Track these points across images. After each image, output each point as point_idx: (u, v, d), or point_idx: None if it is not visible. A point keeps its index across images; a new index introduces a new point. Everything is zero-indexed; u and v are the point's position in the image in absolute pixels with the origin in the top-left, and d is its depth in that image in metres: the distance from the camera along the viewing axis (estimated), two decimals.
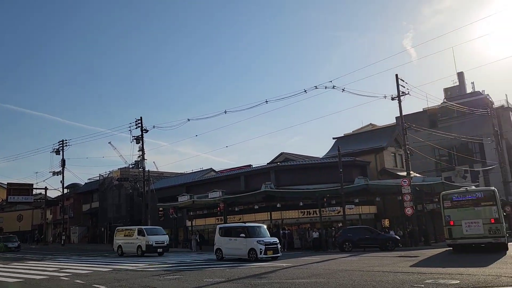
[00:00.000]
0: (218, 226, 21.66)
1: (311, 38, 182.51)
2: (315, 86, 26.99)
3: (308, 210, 31.51)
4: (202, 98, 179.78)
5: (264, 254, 18.07)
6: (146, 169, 39.37)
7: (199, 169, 48.96)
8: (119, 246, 27.26)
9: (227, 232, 20.48)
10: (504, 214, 33.42)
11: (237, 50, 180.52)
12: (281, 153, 42.03)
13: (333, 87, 26.84)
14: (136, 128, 38.62)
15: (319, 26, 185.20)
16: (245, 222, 32.66)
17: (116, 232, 28.74)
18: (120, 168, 50.96)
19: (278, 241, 19.66)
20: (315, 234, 28.71)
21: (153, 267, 16.42)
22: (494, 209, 18.35)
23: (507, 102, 60.38)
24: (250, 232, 19.19)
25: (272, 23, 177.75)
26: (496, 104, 54.14)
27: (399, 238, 25.64)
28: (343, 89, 27.37)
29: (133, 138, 38.21)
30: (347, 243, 24.83)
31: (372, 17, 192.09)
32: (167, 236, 27.60)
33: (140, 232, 25.85)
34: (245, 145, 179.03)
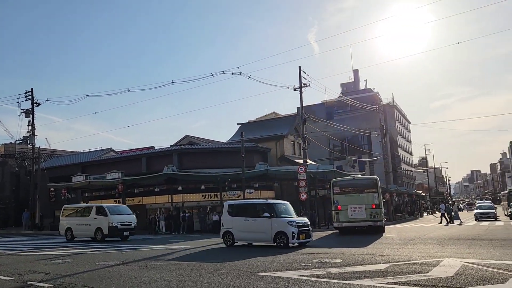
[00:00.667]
0: (226, 203, 17.09)
1: (221, 23, 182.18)
2: (222, 71, 27.25)
3: (209, 193, 31.90)
4: (102, 73, 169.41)
5: (296, 239, 14.48)
6: (37, 145, 36.28)
7: (98, 149, 46.48)
8: (68, 229, 22.29)
9: (241, 211, 16.22)
10: (384, 200, 37.44)
11: (141, 28, 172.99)
12: (186, 136, 41.71)
13: (240, 73, 27.32)
14: (26, 100, 35.28)
15: (229, 12, 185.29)
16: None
17: (63, 210, 23.66)
18: (5, 144, 46.22)
19: (309, 222, 16.30)
20: (215, 217, 29.24)
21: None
22: (376, 195, 20.53)
23: (393, 100, 66.90)
24: (277, 211, 15.39)
25: (180, 4, 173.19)
26: (384, 101, 59.88)
27: None
28: (249, 76, 28.01)
29: (22, 111, 34.89)
30: None
31: (280, 8, 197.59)
32: (134, 215, 23.11)
33: (100, 211, 21.36)
34: (149, 126, 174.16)
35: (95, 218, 21.26)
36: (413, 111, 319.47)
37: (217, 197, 31.07)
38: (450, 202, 38.10)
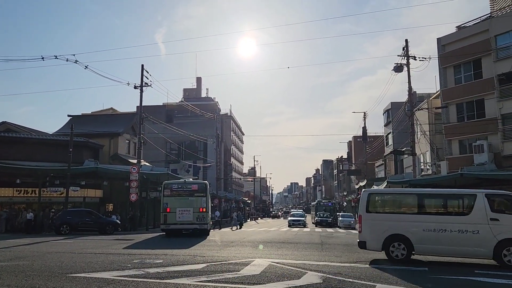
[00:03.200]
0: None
1: (62, 4, 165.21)
2: (55, 56, 24.82)
3: (26, 189, 28.52)
4: None
5: None
6: None
7: None
8: None
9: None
10: (212, 205, 39.17)
11: None
12: (3, 122, 36.37)
13: (76, 61, 25.36)
14: None
15: None
16: None
17: None
18: None
19: None
20: (29, 216, 26.29)
21: None
22: (204, 200, 21.45)
23: (231, 111, 70.62)
24: None
25: None
26: (223, 111, 62.84)
27: (119, 223, 26.38)
28: (86, 66, 26.21)
29: None
30: (64, 226, 23.84)
31: (130, 2, 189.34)
32: None
33: None
34: None
35: None
36: (248, 124, 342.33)
37: (35, 193, 27.98)
38: (239, 211, 43.01)
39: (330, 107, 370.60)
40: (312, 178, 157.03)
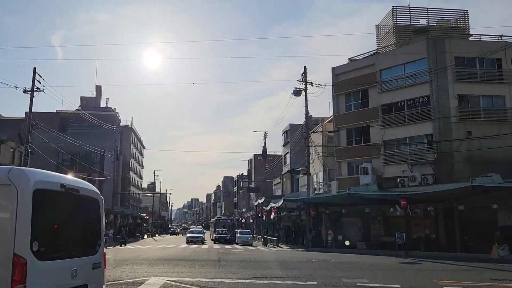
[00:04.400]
0: None
1: None
2: None
3: None
4: None
5: None
6: None
7: None
8: None
9: None
10: (107, 221, 37.32)
11: None
12: None
13: None
14: None
15: None
16: None
17: None
18: None
19: None
20: None
21: None
22: None
23: (132, 123, 68.30)
24: None
25: None
26: (123, 123, 60.49)
27: None
28: None
29: None
30: None
31: (30, 4, 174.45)
32: None
33: None
34: None
35: None
36: (150, 137, 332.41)
37: None
38: (122, 228, 42.22)
39: (233, 125, 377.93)
40: (213, 194, 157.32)
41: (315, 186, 39.55)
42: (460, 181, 24.79)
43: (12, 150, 36.28)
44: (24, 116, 43.94)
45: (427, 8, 34.51)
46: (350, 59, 36.75)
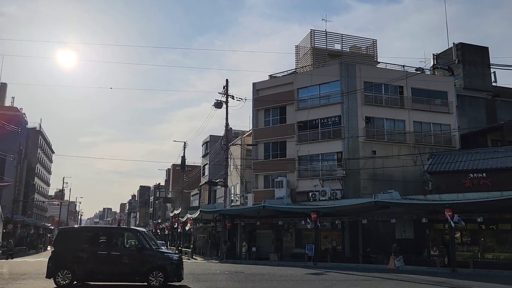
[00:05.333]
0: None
1: None
2: None
3: None
4: None
5: None
6: None
7: None
8: None
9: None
10: (4, 231, 34.19)
11: None
12: None
13: None
14: None
15: None
16: None
17: None
18: None
19: None
20: None
21: None
22: None
23: (40, 126, 63.73)
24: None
25: None
26: (30, 125, 56.09)
27: None
28: None
29: None
30: None
31: None
32: None
33: None
34: None
35: None
36: (61, 142, 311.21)
37: None
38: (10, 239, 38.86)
39: (152, 133, 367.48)
40: (128, 204, 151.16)
41: (232, 198, 39.97)
42: (364, 196, 26.73)
43: None
44: None
45: (342, 34, 37.03)
46: (270, 76, 38.05)
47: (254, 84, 37.42)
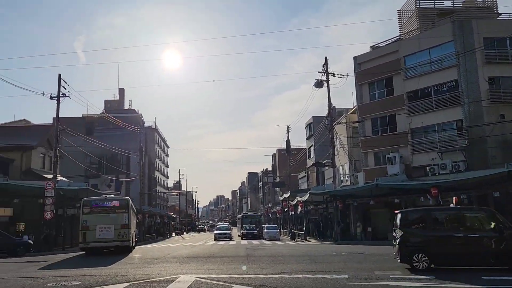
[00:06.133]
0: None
1: None
2: None
3: None
4: None
5: None
6: None
7: None
8: None
9: None
10: (137, 221, 37.73)
11: None
12: None
13: None
14: None
15: None
16: None
17: None
18: None
19: None
20: None
21: None
22: (126, 216, 20.62)
23: (155, 124, 69.08)
24: None
25: None
26: (147, 124, 61.24)
27: (32, 243, 24.39)
28: None
29: None
30: None
31: (43, 7, 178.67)
32: None
33: None
34: None
35: None
36: (173, 137, 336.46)
37: None
38: None
39: (254, 120, 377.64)
40: (238, 191, 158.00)
41: (342, 178, 38.99)
42: (494, 167, 23.88)
43: (42, 155, 37.13)
44: (52, 121, 44.96)
45: None
46: (372, 47, 35.96)
47: (355, 58, 35.71)
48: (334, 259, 15.86)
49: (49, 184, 26.30)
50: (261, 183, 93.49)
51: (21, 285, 9.77)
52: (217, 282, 9.59)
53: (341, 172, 39.43)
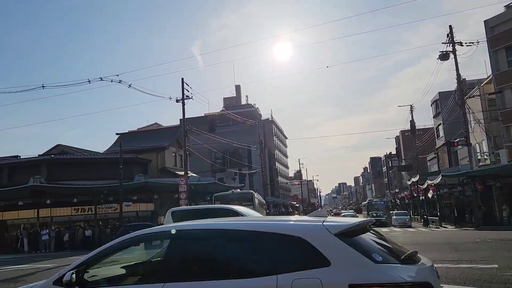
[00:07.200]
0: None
1: (98, 28, 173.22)
2: (100, 78, 25.72)
3: (82, 207, 29.70)
4: None
5: None
6: None
7: None
8: None
9: None
10: (266, 211, 39.00)
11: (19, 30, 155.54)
12: (58, 145, 38.29)
13: (120, 81, 26.15)
14: None
15: (105, 17, 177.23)
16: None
17: None
18: None
19: None
20: (87, 232, 27.30)
21: None
22: (251, 208, 21.54)
23: (272, 116, 70.49)
24: None
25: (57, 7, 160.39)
26: (263, 117, 62.81)
27: None
28: (129, 85, 26.96)
29: None
30: None
31: (165, 19, 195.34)
32: None
33: None
34: (11, 133, 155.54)
35: None
36: (290, 127, 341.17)
37: (92, 211, 29.05)
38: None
39: (373, 103, 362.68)
40: (361, 177, 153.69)
41: (479, 157, 34.99)
42: None
43: (174, 154, 40.65)
44: (178, 122, 48.93)
45: None
46: (506, 6, 31.37)
47: (486, 21, 31.57)
48: (478, 246, 14.19)
49: (182, 180, 28.53)
50: (385, 167, 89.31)
51: None
52: None
53: (478, 150, 35.36)
